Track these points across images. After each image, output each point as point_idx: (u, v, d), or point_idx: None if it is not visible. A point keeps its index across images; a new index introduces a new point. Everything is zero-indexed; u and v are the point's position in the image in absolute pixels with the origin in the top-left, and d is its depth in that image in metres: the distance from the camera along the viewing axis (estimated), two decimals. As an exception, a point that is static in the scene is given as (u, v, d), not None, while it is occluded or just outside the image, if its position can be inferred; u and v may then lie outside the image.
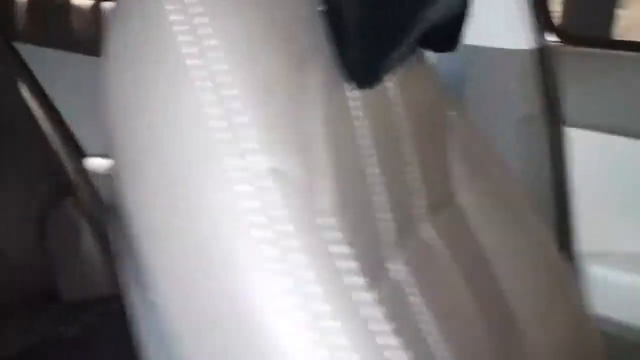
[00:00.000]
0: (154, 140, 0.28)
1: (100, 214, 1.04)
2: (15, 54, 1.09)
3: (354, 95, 0.39)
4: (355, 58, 0.36)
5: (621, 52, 0.68)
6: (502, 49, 0.67)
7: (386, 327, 0.29)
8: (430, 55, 0.53)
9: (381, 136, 0.41)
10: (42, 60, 1.10)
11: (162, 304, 0.28)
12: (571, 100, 0.68)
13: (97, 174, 1.03)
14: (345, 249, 0.29)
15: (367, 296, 0.29)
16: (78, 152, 1.07)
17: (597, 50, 0.69)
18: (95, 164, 1.04)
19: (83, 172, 1.04)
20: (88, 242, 1.03)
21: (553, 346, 0.55)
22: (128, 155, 0.29)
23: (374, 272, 0.38)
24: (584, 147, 0.69)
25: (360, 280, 0.29)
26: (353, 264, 0.29)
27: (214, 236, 0.26)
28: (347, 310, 0.27)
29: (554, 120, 0.68)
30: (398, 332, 0.29)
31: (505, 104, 0.69)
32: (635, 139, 0.67)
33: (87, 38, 1.08)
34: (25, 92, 1.09)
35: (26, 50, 1.10)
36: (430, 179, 0.49)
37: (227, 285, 0.26)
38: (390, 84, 0.45)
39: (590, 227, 0.71)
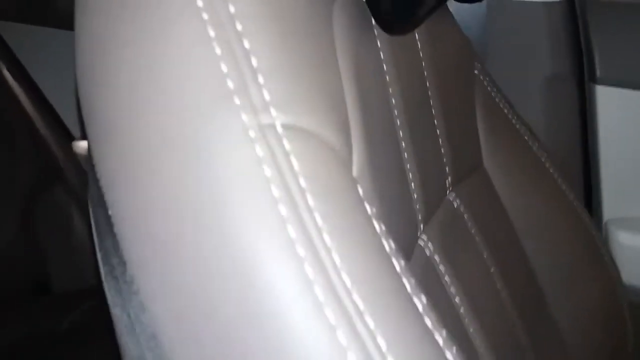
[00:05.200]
0: (138, 94, 0.21)
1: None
2: (-5, 32, 1.03)
3: (382, 42, 0.32)
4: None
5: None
6: (528, 1, 0.60)
7: (421, 301, 0.22)
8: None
9: (410, 96, 0.35)
10: (23, 37, 1.04)
11: (142, 285, 0.21)
12: (603, 56, 0.62)
13: (86, 158, 0.97)
14: (375, 222, 0.22)
15: (399, 265, 0.22)
16: (65, 135, 1.01)
17: (632, 1, 0.63)
18: (85, 147, 0.98)
19: (71, 155, 0.98)
20: (79, 229, 0.98)
21: (581, 319, 0.52)
22: (106, 121, 0.22)
23: (405, 244, 0.32)
24: (616, 107, 0.63)
25: (390, 249, 0.22)
26: (383, 234, 0.23)
27: (231, 226, 0.19)
28: (374, 290, 0.21)
29: (584, 78, 0.62)
30: (431, 306, 0.23)
31: (532, 61, 0.63)
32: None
33: (71, 12, 1.01)
34: (7, 74, 1.03)
35: (6, 29, 1.03)
36: (457, 143, 0.44)
37: (236, 264, 0.19)
38: (417, 35, 0.39)
39: (619, 192, 0.66)
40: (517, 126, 0.53)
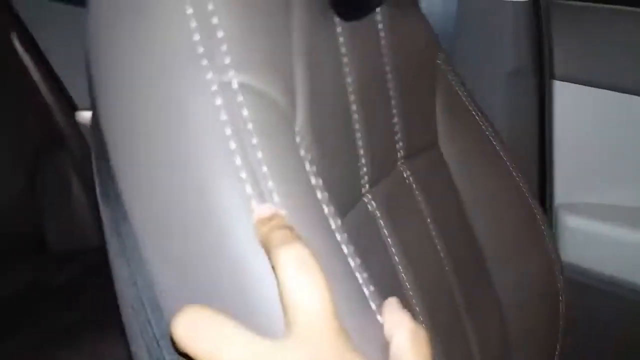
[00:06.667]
0: (132, 62, 0.27)
1: (89, 167, 1.04)
2: (8, 3, 1.08)
3: (343, 29, 0.38)
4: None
5: (616, 7, 0.67)
6: (496, -1, 0.66)
7: (348, 249, 0.29)
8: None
9: (367, 74, 0.41)
10: (35, 10, 1.09)
11: (140, 236, 0.27)
12: (562, 55, 0.68)
13: (88, 127, 1.03)
14: (308, 164, 0.29)
15: (333, 223, 0.28)
16: (69, 105, 1.07)
17: (592, 4, 0.68)
18: (87, 117, 1.03)
19: (74, 125, 1.04)
20: (77, 194, 1.04)
21: (520, 290, 0.57)
22: (108, 84, 0.28)
23: (346, 196, 0.38)
24: (570, 101, 0.69)
25: (316, 182, 0.28)
26: (319, 184, 0.29)
27: (193, 155, 0.26)
28: (311, 233, 0.27)
29: (543, 73, 0.68)
30: (366, 266, 0.29)
31: (496, 55, 0.69)
32: (624, 93, 0.67)
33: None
34: (17, 44, 1.08)
35: (19, 2, 1.09)
36: (412, 123, 0.49)
37: (197, 197, 0.26)
38: (380, 24, 0.44)
39: (569, 180, 0.72)
40: (474, 112, 0.58)
